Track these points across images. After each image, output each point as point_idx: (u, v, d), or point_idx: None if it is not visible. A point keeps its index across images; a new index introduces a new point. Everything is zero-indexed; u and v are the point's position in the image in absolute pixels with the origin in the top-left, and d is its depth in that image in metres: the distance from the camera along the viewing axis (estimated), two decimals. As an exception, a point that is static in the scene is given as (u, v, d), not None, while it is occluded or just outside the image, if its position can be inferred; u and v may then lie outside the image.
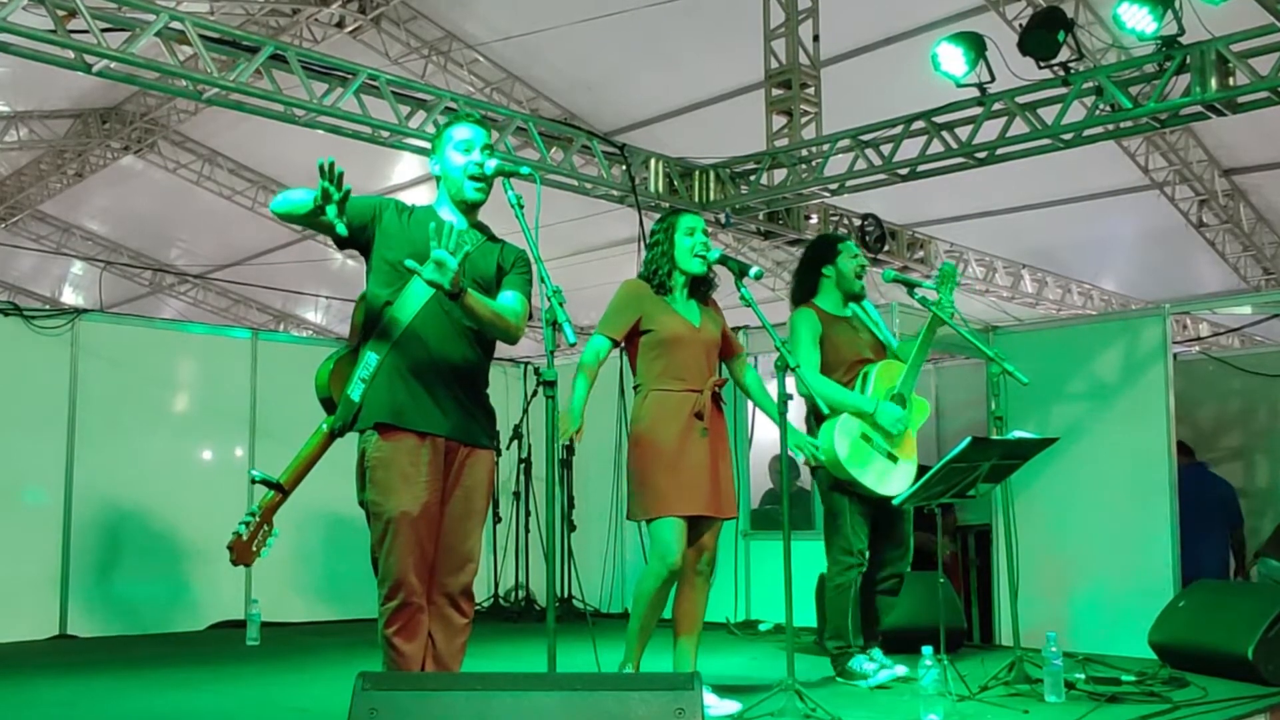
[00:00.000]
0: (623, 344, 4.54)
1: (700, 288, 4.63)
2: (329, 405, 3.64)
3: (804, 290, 5.43)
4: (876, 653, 5.30)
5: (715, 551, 4.53)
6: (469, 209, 3.73)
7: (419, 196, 3.84)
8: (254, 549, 3.76)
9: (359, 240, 3.60)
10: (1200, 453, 7.36)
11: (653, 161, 8.42)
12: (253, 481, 3.81)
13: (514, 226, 3.54)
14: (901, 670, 5.15)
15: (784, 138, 8.16)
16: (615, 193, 8.23)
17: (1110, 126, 6.90)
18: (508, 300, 3.64)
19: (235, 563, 3.78)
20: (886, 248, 10.30)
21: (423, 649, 3.56)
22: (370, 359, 3.55)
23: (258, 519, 3.77)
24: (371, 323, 3.60)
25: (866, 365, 5.23)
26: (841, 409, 5.06)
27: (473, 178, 3.67)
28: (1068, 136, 6.92)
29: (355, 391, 3.57)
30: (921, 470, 5.01)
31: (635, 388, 4.53)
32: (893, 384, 5.18)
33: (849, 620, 5.16)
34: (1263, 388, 7.52)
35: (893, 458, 5.16)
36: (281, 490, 3.78)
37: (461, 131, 3.72)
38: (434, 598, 3.60)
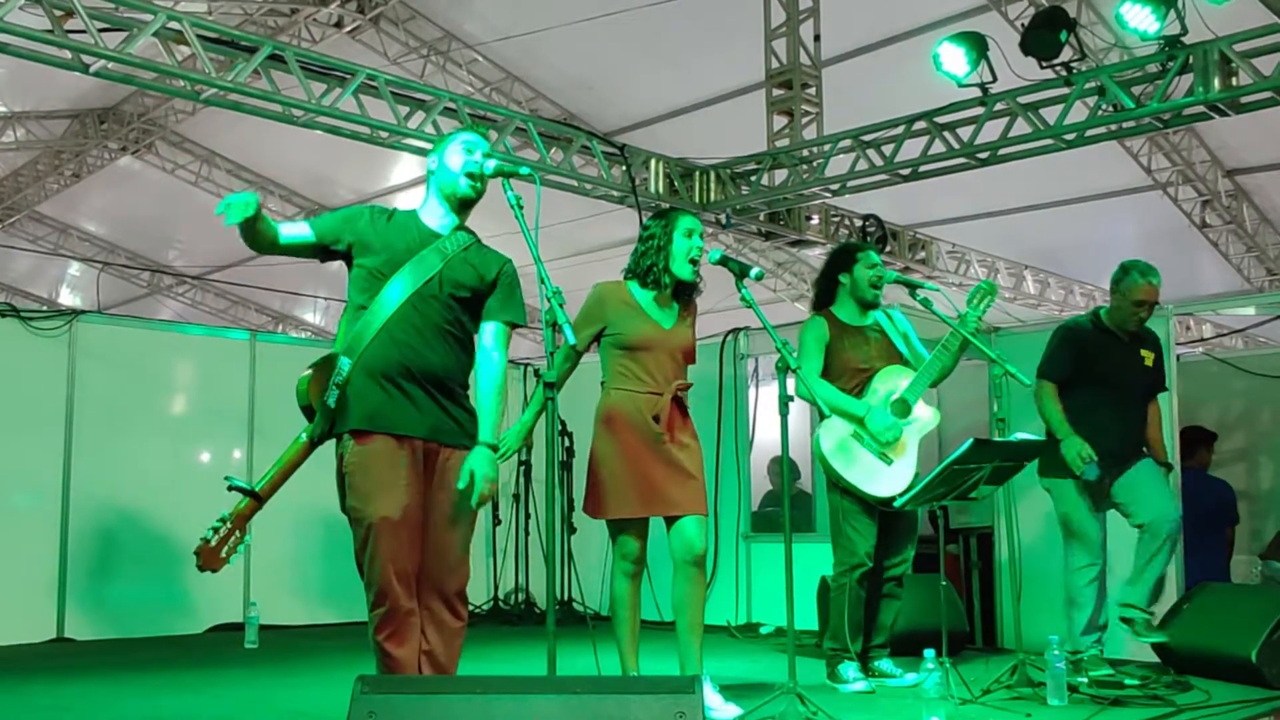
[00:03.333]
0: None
1: (685, 292, 4.60)
2: (310, 413, 3.61)
3: (821, 297, 5.48)
4: (887, 663, 5.30)
5: (699, 540, 4.46)
6: (461, 207, 3.71)
7: (419, 197, 3.81)
8: (222, 555, 3.72)
9: (337, 253, 3.64)
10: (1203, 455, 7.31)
11: (653, 162, 8.40)
12: (229, 489, 3.76)
13: (513, 227, 3.51)
14: (896, 681, 5.18)
15: (785, 138, 8.13)
16: (615, 193, 8.22)
17: (1113, 127, 6.89)
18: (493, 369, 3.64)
19: (202, 568, 3.74)
20: (888, 249, 10.29)
21: (415, 653, 3.53)
22: (343, 364, 3.52)
23: (228, 525, 3.72)
24: (348, 329, 3.59)
25: (873, 374, 5.24)
26: (836, 412, 5.06)
27: (470, 175, 3.65)
28: (1070, 137, 6.90)
29: (331, 397, 3.54)
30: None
31: (601, 384, 4.53)
32: (893, 389, 5.17)
33: (845, 622, 5.14)
34: (1266, 389, 7.48)
35: (885, 458, 5.14)
36: (257, 498, 3.74)
37: (468, 136, 3.75)
38: (428, 602, 3.57)
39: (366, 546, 3.46)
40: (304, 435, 3.70)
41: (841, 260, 5.42)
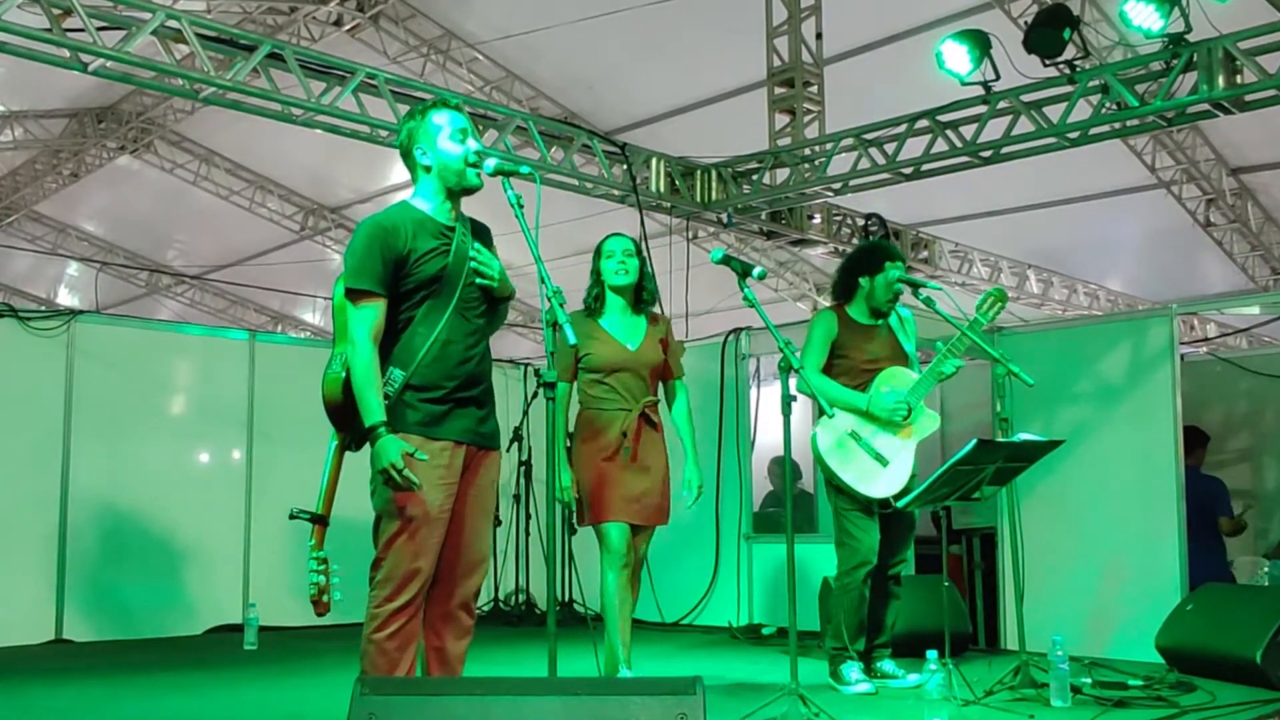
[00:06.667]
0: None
1: (641, 301, 5.00)
2: (336, 412, 3.53)
3: (838, 291, 5.52)
4: (889, 664, 5.29)
5: (645, 554, 4.97)
6: (461, 195, 3.66)
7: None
8: (324, 600, 3.68)
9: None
10: (1207, 454, 7.27)
11: (654, 161, 8.38)
12: (292, 517, 3.72)
13: (514, 226, 3.49)
14: (898, 683, 5.20)
15: (787, 137, 8.10)
16: (616, 192, 8.19)
17: (1116, 125, 6.85)
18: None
19: (320, 615, 3.71)
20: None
21: (412, 658, 3.52)
22: (395, 375, 3.47)
23: (323, 566, 3.66)
24: (392, 337, 3.51)
25: (878, 372, 5.27)
26: (838, 406, 5.08)
27: (473, 165, 3.59)
28: (1073, 135, 6.87)
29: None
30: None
31: (579, 402, 4.94)
32: (897, 388, 5.18)
33: (848, 622, 5.13)
34: (1271, 389, 7.46)
35: (882, 460, 5.14)
36: (322, 521, 3.70)
37: (444, 118, 3.62)
38: (446, 600, 3.58)
39: (398, 539, 3.43)
40: (334, 443, 3.65)
41: (867, 263, 5.42)
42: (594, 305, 4.97)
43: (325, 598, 3.63)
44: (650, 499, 4.85)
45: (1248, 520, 7.13)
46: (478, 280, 3.56)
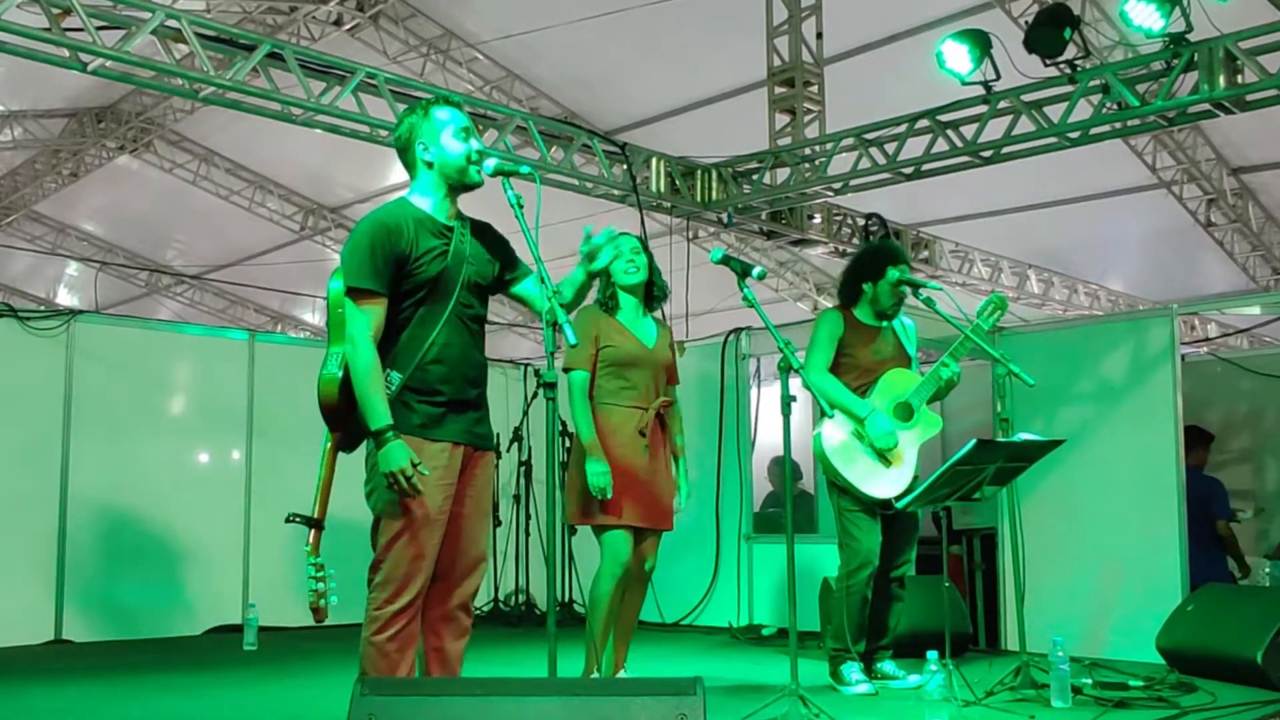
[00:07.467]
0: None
1: (651, 300, 4.98)
2: (332, 413, 3.51)
3: (843, 293, 5.52)
4: (890, 664, 5.29)
5: (655, 558, 4.90)
6: (460, 194, 3.63)
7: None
8: (321, 604, 3.66)
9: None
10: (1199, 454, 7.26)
11: (654, 161, 8.37)
12: (288, 521, 3.71)
13: (514, 226, 3.48)
14: (899, 683, 5.20)
15: (787, 136, 8.10)
16: (616, 192, 8.18)
17: (1117, 125, 6.84)
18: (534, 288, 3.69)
19: (319, 621, 3.70)
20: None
21: (413, 660, 3.50)
22: (393, 378, 3.44)
23: (320, 571, 3.64)
24: (388, 338, 3.48)
25: (881, 373, 5.27)
26: (838, 408, 5.08)
27: (474, 162, 3.56)
28: (1074, 135, 6.86)
29: None
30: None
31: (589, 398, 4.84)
32: (898, 392, 5.18)
33: (848, 623, 5.13)
34: (1271, 389, 7.45)
35: (885, 460, 5.14)
36: (319, 525, 3.68)
37: (447, 114, 3.59)
38: (446, 600, 3.57)
39: (398, 541, 3.42)
40: (326, 444, 3.63)
41: (870, 268, 5.41)
42: (609, 303, 4.91)
43: (323, 602, 3.61)
44: (663, 502, 4.81)
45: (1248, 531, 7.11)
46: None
